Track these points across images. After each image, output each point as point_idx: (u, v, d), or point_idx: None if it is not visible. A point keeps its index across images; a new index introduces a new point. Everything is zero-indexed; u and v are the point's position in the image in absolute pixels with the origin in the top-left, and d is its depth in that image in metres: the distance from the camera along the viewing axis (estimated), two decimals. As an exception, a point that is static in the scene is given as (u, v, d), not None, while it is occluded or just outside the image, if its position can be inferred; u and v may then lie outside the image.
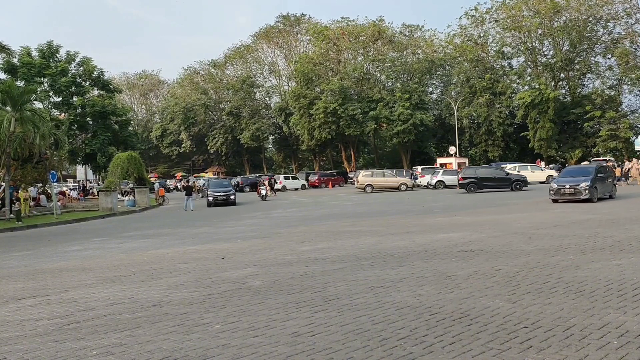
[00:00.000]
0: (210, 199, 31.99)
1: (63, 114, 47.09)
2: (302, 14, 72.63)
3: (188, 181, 55.15)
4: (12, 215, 26.50)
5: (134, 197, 35.82)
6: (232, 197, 31.90)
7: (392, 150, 69.26)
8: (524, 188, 31.64)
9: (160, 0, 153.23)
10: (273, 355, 4.84)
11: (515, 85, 57.22)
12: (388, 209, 23.24)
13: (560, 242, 10.65)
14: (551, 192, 21.75)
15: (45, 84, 45.41)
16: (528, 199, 24.20)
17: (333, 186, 51.99)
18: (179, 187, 46.91)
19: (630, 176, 32.36)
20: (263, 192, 35.59)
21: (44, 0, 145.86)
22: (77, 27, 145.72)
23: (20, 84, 39.42)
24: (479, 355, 4.60)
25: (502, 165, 43.23)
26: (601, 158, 44.93)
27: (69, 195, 43.32)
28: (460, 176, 34.30)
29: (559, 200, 21.31)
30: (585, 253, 9.36)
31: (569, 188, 20.93)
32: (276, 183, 44.80)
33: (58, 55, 46.42)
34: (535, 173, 40.30)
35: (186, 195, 29.97)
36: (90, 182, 61.13)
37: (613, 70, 53.39)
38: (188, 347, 5.21)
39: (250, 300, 7.09)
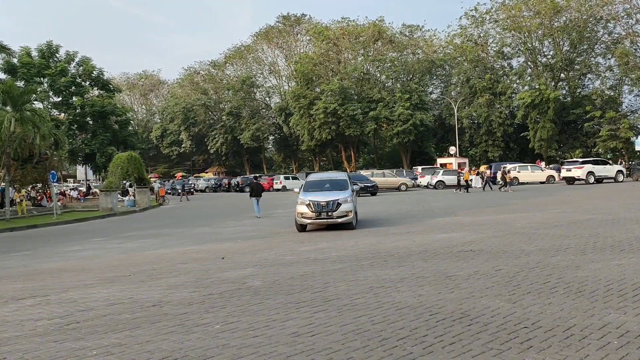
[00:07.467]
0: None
1: (63, 114, 47.09)
2: (302, 14, 72.75)
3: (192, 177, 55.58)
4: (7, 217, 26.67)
5: (134, 197, 35.78)
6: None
7: (392, 151, 69.24)
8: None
9: (161, 1, 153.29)
10: (273, 355, 4.83)
11: (515, 85, 57.23)
12: (388, 209, 23.23)
13: (560, 242, 10.63)
14: None
15: (45, 84, 45.40)
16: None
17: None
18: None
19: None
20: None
21: (44, 0, 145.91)
22: (77, 27, 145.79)
23: (20, 84, 39.42)
24: (479, 356, 4.59)
25: (502, 165, 43.02)
26: (599, 158, 44.83)
27: (68, 195, 43.34)
28: None
29: None
30: (586, 253, 9.35)
31: None
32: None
33: (57, 55, 46.40)
34: (536, 173, 40.26)
35: (254, 196, 22.33)
36: (90, 181, 61.19)
37: (613, 71, 53.43)
38: (188, 347, 5.20)
39: (250, 301, 7.08)
